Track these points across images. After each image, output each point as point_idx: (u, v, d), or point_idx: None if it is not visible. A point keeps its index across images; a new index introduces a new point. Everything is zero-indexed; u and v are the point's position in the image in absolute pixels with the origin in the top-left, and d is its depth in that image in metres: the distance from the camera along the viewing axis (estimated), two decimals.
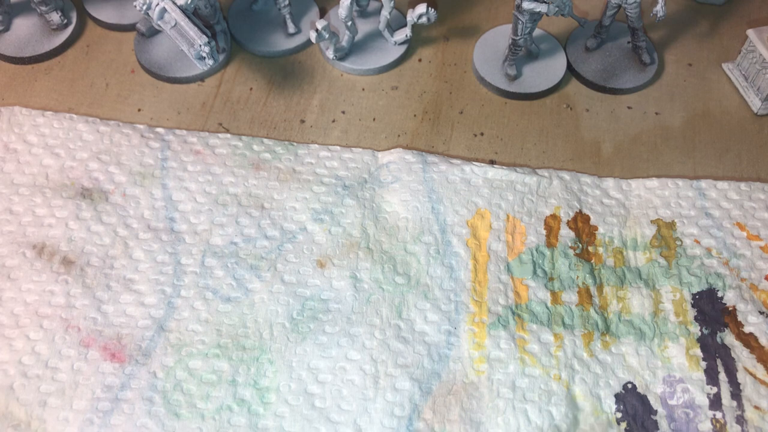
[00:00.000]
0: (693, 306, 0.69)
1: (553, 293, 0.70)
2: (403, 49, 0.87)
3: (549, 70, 0.86)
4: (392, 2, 0.83)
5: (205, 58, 0.76)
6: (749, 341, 0.68)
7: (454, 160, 0.78)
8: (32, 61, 0.85)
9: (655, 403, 0.64)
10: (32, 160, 0.75)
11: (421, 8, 0.83)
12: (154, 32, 0.86)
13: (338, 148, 0.79)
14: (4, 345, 0.64)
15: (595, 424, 0.63)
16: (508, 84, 0.85)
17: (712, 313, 0.69)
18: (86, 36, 0.88)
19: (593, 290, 0.70)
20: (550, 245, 0.73)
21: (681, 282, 0.71)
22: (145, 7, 0.75)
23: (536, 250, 0.72)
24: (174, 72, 0.84)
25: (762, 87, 0.83)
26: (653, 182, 0.77)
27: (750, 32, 0.83)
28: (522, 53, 0.86)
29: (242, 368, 0.65)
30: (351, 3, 0.80)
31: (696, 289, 0.70)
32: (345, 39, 0.85)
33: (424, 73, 0.87)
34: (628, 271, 0.72)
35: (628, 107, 0.85)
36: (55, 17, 0.85)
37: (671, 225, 0.74)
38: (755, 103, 0.84)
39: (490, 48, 0.88)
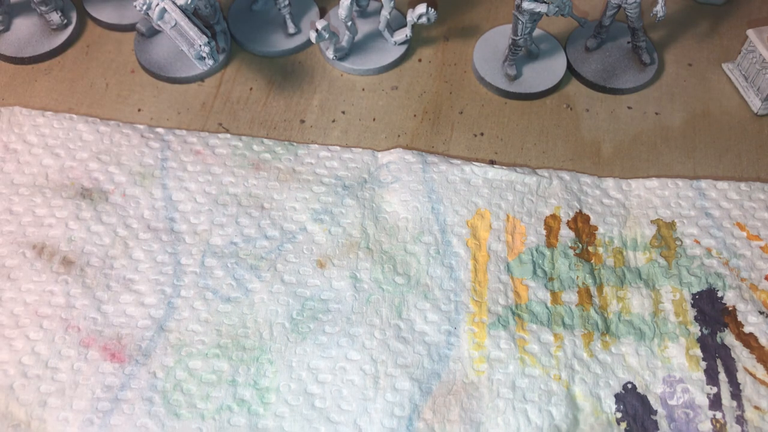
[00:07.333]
0: (693, 306, 0.69)
1: (553, 293, 0.70)
2: (403, 49, 0.87)
3: (549, 70, 0.86)
4: (392, 2, 0.83)
5: (205, 58, 0.76)
6: (749, 341, 0.68)
7: (454, 160, 0.78)
8: (32, 61, 0.85)
9: (655, 403, 0.64)
10: (32, 160, 0.75)
11: (421, 8, 0.83)
12: (154, 32, 0.86)
13: (338, 148, 0.79)
14: (4, 345, 0.64)
15: (595, 424, 0.63)
16: (508, 84, 0.85)
17: (712, 313, 0.69)
18: (86, 36, 0.88)
19: (593, 290, 0.70)
20: (550, 245, 0.73)
21: (681, 282, 0.71)
22: (145, 7, 0.75)
23: (536, 250, 0.72)
24: (174, 72, 0.84)
25: (762, 87, 0.83)
26: (653, 182, 0.77)
27: (750, 32, 0.83)
28: (522, 53, 0.86)
29: (242, 368, 0.65)
30: (351, 3, 0.80)
31: (696, 289, 0.70)
32: (345, 39, 0.85)
33: (424, 73, 0.87)
34: (628, 271, 0.72)
35: (628, 107, 0.85)
36: (55, 17, 0.85)
37: (671, 225, 0.74)
38: (755, 103, 0.84)
39: (490, 48, 0.88)
